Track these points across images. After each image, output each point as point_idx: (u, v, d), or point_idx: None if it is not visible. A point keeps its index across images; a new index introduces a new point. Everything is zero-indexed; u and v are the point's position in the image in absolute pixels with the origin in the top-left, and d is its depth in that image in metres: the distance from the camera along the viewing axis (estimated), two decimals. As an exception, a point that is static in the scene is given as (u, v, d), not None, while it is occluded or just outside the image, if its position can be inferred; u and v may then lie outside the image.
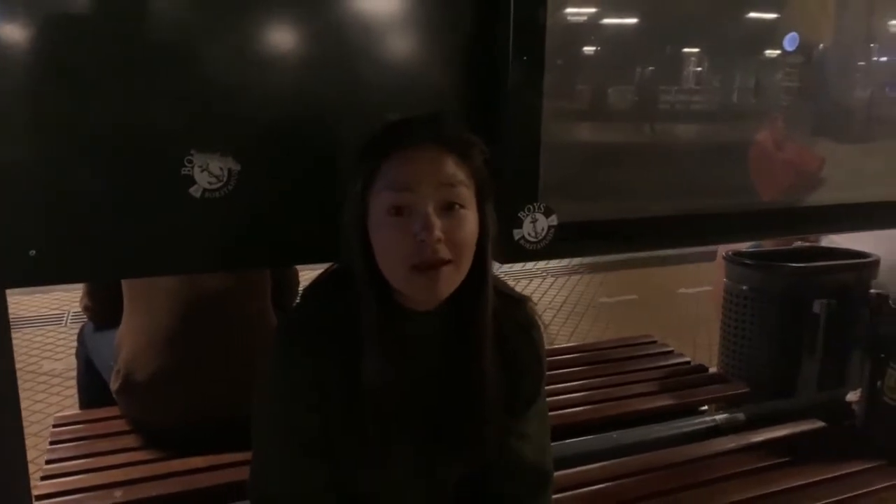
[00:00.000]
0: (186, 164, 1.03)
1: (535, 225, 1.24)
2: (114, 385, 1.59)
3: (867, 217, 1.64)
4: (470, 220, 0.89)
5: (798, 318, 2.12)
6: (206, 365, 1.56)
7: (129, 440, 1.64)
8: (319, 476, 0.97)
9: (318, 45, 1.08)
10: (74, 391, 2.10)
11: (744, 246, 2.55)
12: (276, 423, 0.98)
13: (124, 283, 1.66)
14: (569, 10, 1.23)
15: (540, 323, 1.06)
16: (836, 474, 1.60)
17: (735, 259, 2.28)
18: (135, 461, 1.57)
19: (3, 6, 0.93)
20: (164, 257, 1.09)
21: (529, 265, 5.10)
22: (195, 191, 1.05)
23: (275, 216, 1.11)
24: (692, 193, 1.41)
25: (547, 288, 4.73)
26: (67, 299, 4.03)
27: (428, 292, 0.88)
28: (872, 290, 2.10)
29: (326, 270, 1.01)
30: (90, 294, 1.85)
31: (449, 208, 0.87)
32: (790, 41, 1.44)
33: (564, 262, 5.24)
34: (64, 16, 0.96)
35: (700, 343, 3.35)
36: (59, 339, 3.55)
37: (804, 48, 1.46)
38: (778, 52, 1.43)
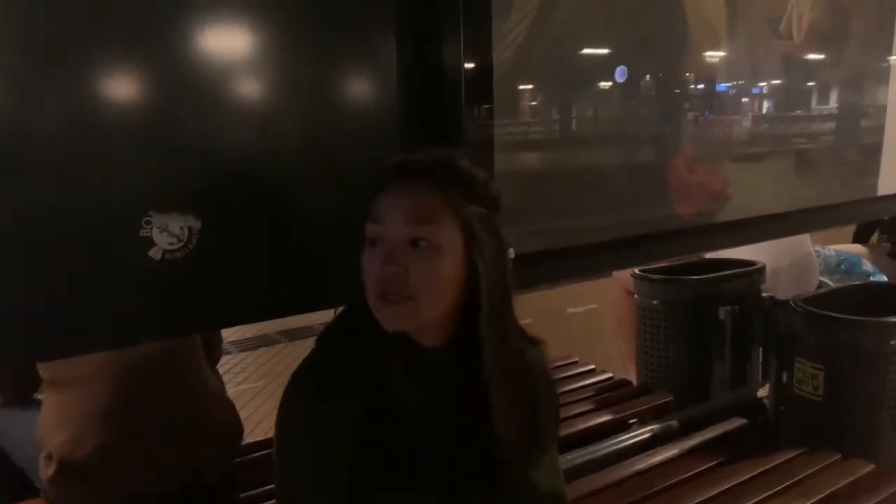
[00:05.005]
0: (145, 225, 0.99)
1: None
2: (46, 472, 1.43)
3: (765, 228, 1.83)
4: (439, 261, 0.88)
5: (706, 326, 2.28)
6: (153, 432, 1.46)
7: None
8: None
9: (277, 101, 1.09)
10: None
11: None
12: (303, 460, 0.93)
13: (41, 368, 1.52)
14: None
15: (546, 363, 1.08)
16: (766, 467, 1.74)
17: (644, 276, 2.42)
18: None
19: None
20: (129, 327, 1.04)
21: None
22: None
23: (238, 272, 1.09)
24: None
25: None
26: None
27: (389, 323, 0.89)
28: (764, 294, 2.32)
29: (337, 314, 1.00)
30: None
31: (415, 244, 0.87)
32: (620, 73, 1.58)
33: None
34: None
35: (599, 356, 3.50)
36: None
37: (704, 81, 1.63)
38: (691, 85, 1.59)
